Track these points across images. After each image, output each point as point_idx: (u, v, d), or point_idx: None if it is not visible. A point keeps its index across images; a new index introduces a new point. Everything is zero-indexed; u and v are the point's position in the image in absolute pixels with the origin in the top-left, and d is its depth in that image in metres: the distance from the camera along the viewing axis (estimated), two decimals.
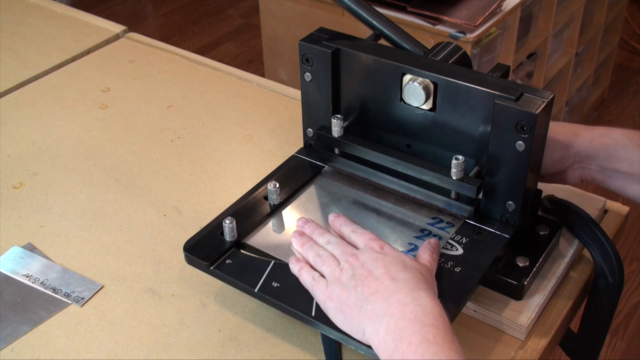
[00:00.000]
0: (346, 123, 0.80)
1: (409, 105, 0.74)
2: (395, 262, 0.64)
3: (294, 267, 0.69)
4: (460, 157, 0.71)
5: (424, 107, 0.73)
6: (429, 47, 0.79)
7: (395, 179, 0.78)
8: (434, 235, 0.74)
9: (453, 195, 0.75)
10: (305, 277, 0.68)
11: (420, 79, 0.72)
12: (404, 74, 0.73)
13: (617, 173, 0.74)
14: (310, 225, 0.73)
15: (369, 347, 0.61)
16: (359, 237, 0.69)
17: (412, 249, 0.72)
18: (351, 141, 0.79)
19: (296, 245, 0.72)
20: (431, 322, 0.58)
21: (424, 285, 0.62)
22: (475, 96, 0.69)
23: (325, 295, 0.65)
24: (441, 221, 0.75)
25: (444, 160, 0.74)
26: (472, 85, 0.69)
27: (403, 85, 0.73)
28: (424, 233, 0.74)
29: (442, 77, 0.71)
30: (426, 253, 0.68)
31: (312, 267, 0.69)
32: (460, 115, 0.72)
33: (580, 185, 0.80)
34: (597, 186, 0.78)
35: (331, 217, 0.74)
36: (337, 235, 0.72)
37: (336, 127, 0.79)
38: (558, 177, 0.78)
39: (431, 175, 0.74)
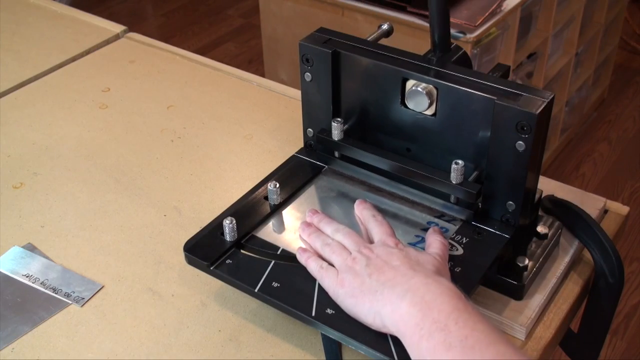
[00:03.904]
0: (346, 126, 0.80)
1: (410, 109, 0.74)
2: (410, 257, 0.65)
3: (302, 257, 0.69)
4: (459, 161, 0.71)
5: (426, 112, 0.73)
6: (429, 47, 0.79)
7: (394, 182, 0.78)
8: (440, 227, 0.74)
9: (452, 199, 0.75)
10: (313, 266, 0.68)
11: (423, 85, 0.72)
12: (405, 79, 0.73)
13: None
14: (318, 215, 0.74)
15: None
16: (378, 225, 0.70)
17: (419, 241, 0.72)
18: (351, 144, 0.79)
19: (303, 235, 0.72)
20: (458, 296, 0.59)
21: (440, 274, 0.64)
22: (476, 101, 0.69)
23: (336, 283, 0.65)
24: (442, 218, 0.76)
25: (443, 165, 0.74)
26: (474, 91, 0.69)
27: (406, 91, 0.73)
28: (429, 225, 0.74)
29: (444, 82, 0.71)
30: (436, 240, 0.69)
31: (319, 257, 0.69)
32: (460, 119, 0.72)
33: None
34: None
35: (357, 202, 0.75)
36: (345, 225, 0.72)
37: (336, 130, 0.79)
38: None
39: (430, 180, 0.74)
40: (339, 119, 0.79)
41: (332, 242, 0.69)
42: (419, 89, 0.72)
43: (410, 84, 0.73)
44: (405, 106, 0.74)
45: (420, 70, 0.72)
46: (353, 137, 0.80)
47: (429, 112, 0.73)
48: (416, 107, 0.73)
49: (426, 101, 0.72)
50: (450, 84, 0.70)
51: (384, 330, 0.62)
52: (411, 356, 0.59)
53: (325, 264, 0.68)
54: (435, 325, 0.57)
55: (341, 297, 0.65)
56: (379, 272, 0.64)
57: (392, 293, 0.61)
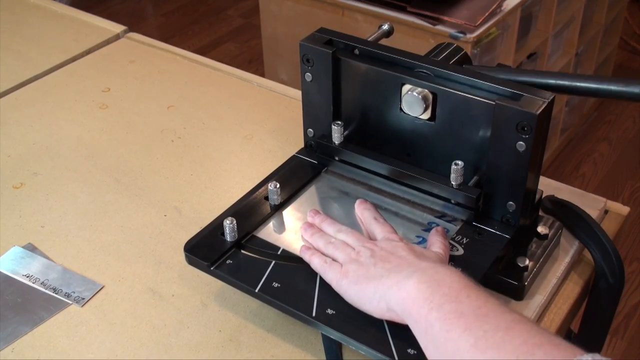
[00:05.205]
0: (346, 132, 0.80)
1: (408, 114, 0.74)
2: (415, 249, 0.65)
3: (305, 254, 0.69)
4: (459, 162, 0.71)
5: (422, 117, 0.73)
6: (429, 47, 0.79)
7: (395, 185, 0.78)
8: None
9: (453, 202, 0.75)
10: (317, 262, 0.68)
11: (419, 89, 0.72)
12: (403, 84, 0.73)
13: None
14: (320, 215, 0.74)
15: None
16: (380, 226, 0.70)
17: (420, 242, 0.72)
18: (351, 150, 0.78)
19: (305, 235, 0.72)
20: (467, 278, 0.58)
21: None
22: (475, 105, 0.69)
23: (340, 274, 0.65)
24: (443, 218, 0.75)
25: (444, 170, 0.74)
26: (472, 97, 0.69)
27: (402, 95, 0.73)
28: (430, 226, 0.74)
29: (441, 87, 0.70)
30: (438, 241, 0.69)
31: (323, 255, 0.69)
32: (460, 123, 0.71)
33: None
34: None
35: (358, 202, 0.75)
36: (348, 226, 0.72)
37: (336, 133, 0.79)
38: None
39: (431, 185, 0.74)
40: (339, 122, 0.78)
41: (335, 241, 0.69)
42: (414, 93, 0.71)
43: (406, 88, 0.73)
44: (404, 112, 0.74)
45: (418, 75, 0.72)
46: (353, 141, 0.80)
47: (425, 116, 0.73)
48: (412, 112, 0.73)
49: (421, 106, 0.71)
50: (448, 89, 0.70)
51: (387, 315, 0.61)
52: (418, 334, 0.57)
53: (329, 260, 0.67)
54: (445, 298, 0.56)
55: (344, 287, 0.64)
56: (384, 260, 0.63)
57: (398, 275, 0.60)
